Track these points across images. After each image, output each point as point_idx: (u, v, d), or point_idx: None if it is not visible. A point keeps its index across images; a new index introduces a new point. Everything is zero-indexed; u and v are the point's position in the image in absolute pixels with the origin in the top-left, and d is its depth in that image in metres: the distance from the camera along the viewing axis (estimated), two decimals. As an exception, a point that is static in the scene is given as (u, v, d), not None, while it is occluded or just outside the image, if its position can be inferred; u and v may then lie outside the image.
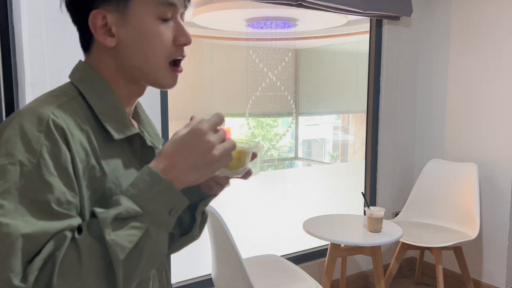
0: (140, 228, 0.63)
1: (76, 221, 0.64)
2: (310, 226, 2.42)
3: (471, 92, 2.96)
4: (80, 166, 0.66)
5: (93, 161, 0.69)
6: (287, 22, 5.36)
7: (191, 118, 0.73)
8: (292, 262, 2.38)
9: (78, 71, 0.77)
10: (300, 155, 8.42)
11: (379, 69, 3.09)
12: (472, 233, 2.64)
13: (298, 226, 2.51)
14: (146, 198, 0.64)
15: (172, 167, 0.66)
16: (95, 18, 0.72)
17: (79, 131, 0.68)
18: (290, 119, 7.47)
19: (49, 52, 1.74)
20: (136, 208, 0.63)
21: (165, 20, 0.74)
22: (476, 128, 2.93)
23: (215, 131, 0.68)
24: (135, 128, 0.78)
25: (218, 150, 0.67)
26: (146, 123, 0.87)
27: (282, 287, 2.06)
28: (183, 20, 0.80)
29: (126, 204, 0.63)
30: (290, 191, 6.28)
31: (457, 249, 2.71)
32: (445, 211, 2.92)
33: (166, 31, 0.74)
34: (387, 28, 3.03)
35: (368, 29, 3.11)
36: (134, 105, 0.83)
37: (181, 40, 0.76)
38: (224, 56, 7.14)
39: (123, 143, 0.76)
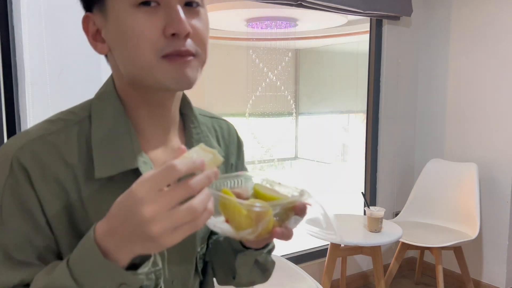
0: None
1: (32, 273, 0.56)
2: (310, 226, 2.42)
3: (471, 92, 2.96)
4: (54, 205, 0.59)
5: (73, 199, 0.60)
6: (287, 22, 5.36)
7: (178, 150, 0.51)
8: (292, 262, 2.38)
9: (104, 85, 0.67)
10: (300, 155, 8.42)
11: (379, 69, 3.09)
12: (472, 233, 2.64)
13: (298, 226, 2.50)
14: (82, 270, 0.51)
15: (111, 233, 0.50)
16: (86, 23, 0.63)
17: (62, 166, 0.60)
18: (290, 119, 7.47)
19: (49, 52, 1.74)
20: (68, 281, 0.50)
21: (146, 4, 0.57)
22: (476, 128, 2.93)
23: (162, 191, 0.46)
24: (143, 159, 0.63)
25: (159, 224, 0.46)
26: (196, 141, 0.70)
27: (282, 287, 2.06)
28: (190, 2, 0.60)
29: (58, 274, 0.52)
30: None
31: (457, 249, 2.71)
32: (445, 211, 2.91)
33: (149, 20, 0.57)
34: (387, 28, 3.03)
35: (368, 29, 3.11)
36: (168, 118, 0.68)
37: (168, 30, 0.57)
38: (224, 56, 7.14)
39: (123, 178, 0.62)
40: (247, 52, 6.66)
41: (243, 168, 0.84)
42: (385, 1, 2.81)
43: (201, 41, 0.60)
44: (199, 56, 0.61)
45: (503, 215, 2.80)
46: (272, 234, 0.55)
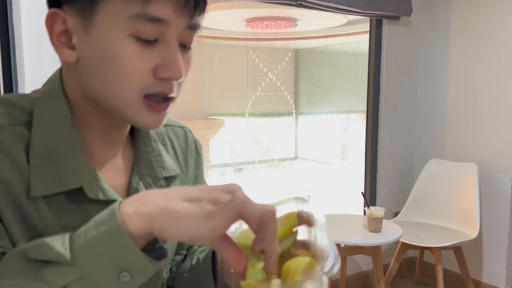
0: (51, 283, 0.41)
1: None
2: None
3: (471, 92, 2.96)
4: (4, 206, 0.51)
5: (23, 202, 0.52)
6: (287, 22, 5.36)
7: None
8: (292, 262, 2.38)
9: (48, 83, 0.60)
10: (300, 155, 8.42)
11: (379, 69, 3.09)
12: (472, 233, 2.64)
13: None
14: (83, 241, 0.42)
15: (158, 196, 0.44)
16: (53, 20, 0.54)
17: (10, 166, 0.52)
18: (290, 118, 7.47)
19: (49, 52, 1.73)
20: (59, 249, 0.42)
21: (146, 41, 0.51)
22: (476, 128, 2.93)
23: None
24: (86, 178, 0.55)
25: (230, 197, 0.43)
26: (145, 161, 0.64)
27: (282, 287, 2.06)
28: (190, 41, 0.56)
29: (49, 241, 0.42)
30: (290, 191, 6.27)
31: (457, 249, 2.71)
32: (445, 211, 2.91)
33: (142, 56, 0.51)
34: (387, 28, 3.03)
35: (368, 29, 3.11)
36: (121, 137, 0.62)
37: (161, 72, 0.52)
38: (224, 56, 7.15)
39: (66, 196, 0.54)
40: (247, 52, 6.66)
41: (203, 178, 0.78)
42: (385, 1, 2.81)
43: (181, 86, 0.57)
44: (176, 99, 0.57)
45: (503, 215, 2.80)
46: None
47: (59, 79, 0.58)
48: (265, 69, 6.60)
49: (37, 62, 1.71)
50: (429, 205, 2.98)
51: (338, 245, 2.41)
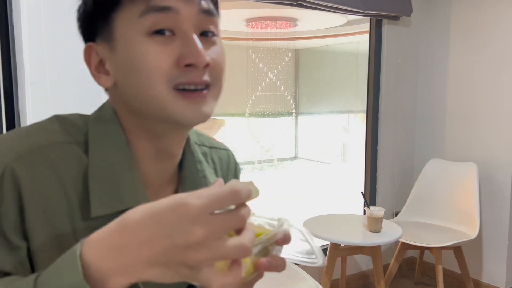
0: None
1: None
2: (310, 226, 2.42)
3: (471, 92, 2.96)
4: (41, 234, 0.52)
5: (65, 229, 0.53)
6: (287, 22, 5.37)
7: (216, 182, 0.46)
8: (292, 262, 2.38)
9: (100, 109, 0.62)
10: (300, 155, 8.43)
11: (379, 69, 3.09)
12: (472, 233, 2.64)
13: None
14: None
15: (123, 248, 0.41)
16: (89, 53, 0.58)
17: (58, 189, 0.53)
18: (290, 118, 7.47)
19: (49, 52, 1.74)
20: None
21: (159, 33, 0.53)
22: (476, 128, 2.93)
23: (214, 215, 0.40)
24: (143, 198, 0.57)
25: (203, 251, 0.39)
26: (190, 184, 0.65)
27: (282, 287, 2.06)
28: (209, 28, 0.57)
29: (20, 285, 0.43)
30: (290, 191, 6.28)
31: (457, 249, 2.71)
32: (445, 211, 2.91)
33: (162, 49, 0.53)
34: (387, 28, 3.03)
35: (368, 29, 3.11)
36: (173, 163, 0.63)
37: (183, 60, 0.53)
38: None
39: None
40: (247, 52, 6.66)
41: None
42: (385, 1, 2.81)
43: (218, 72, 0.57)
44: (215, 87, 0.58)
45: (503, 215, 2.80)
46: (259, 269, 0.47)
47: (111, 106, 0.61)
48: (265, 69, 6.60)
49: (37, 62, 1.71)
50: (429, 205, 2.98)
51: (338, 245, 2.41)
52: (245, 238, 0.41)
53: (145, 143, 0.60)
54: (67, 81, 1.73)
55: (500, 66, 2.78)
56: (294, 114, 7.65)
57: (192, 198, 0.39)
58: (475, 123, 2.93)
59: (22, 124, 1.70)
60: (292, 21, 5.34)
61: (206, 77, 0.56)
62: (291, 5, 2.49)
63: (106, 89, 0.61)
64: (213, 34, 0.58)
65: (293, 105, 7.34)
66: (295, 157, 8.38)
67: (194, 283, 0.42)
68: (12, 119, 1.71)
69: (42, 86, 1.71)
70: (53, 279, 0.42)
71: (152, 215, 0.40)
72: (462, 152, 3.01)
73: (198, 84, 0.55)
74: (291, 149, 8.34)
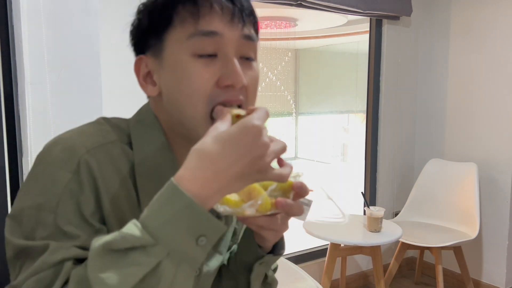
0: (144, 264, 0.46)
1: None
2: (310, 226, 2.42)
3: (471, 92, 2.96)
4: (113, 219, 0.59)
5: (127, 216, 0.57)
6: (287, 22, 5.36)
7: (214, 110, 0.58)
8: (292, 261, 2.38)
9: (139, 114, 0.68)
10: (300, 155, 8.42)
11: (379, 69, 3.09)
12: (472, 233, 2.64)
13: (298, 226, 2.51)
14: (159, 222, 0.47)
15: (213, 177, 0.49)
16: (138, 65, 0.65)
17: (118, 181, 0.60)
18: (289, 118, 7.47)
19: (49, 52, 1.74)
20: (140, 234, 0.47)
21: (206, 56, 0.59)
22: (476, 128, 2.93)
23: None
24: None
25: (271, 155, 0.51)
26: None
27: (282, 287, 2.06)
28: (249, 53, 0.63)
29: (127, 230, 0.47)
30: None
31: (457, 249, 2.71)
32: (445, 211, 2.91)
33: (206, 70, 0.59)
34: (387, 28, 3.03)
35: (368, 29, 3.11)
36: None
37: (223, 81, 0.59)
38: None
39: None
40: (247, 52, 6.64)
41: None
42: (385, 1, 2.81)
43: (252, 93, 0.63)
44: (245, 107, 0.63)
45: (503, 215, 2.80)
46: (277, 207, 0.57)
47: (151, 110, 0.67)
48: (265, 69, 6.60)
49: (37, 62, 1.71)
50: (429, 205, 2.98)
51: (338, 245, 2.41)
52: (279, 142, 0.53)
53: (182, 150, 0.63)
54: (67, 81, 1.73)
55: (500, 66, 2.78)
56: (294, 114, 7.65)
57: (255, 119, 0.50)
58: (475, 123, 2.93)
59: (22, 125, 1.70)
60: (292, 21, 5.33)
61: (241, 97, 0.62)
62: (291, 5, 2.49)
63: (149, 96, 0.68)
64: (252, 59, 0.64)
65: (293, 105, 7.34)
66: (295, 157, 8.38)
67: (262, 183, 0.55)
68: (12, 119, 1.71)
69: (42, 86, 1.71)
70: (160, 211, 0.48)
71: (231, 141, 0.49)
72: (462, 152, 3.01)
73: (233, 102, 0.61)
74: (291, 149, 8.34)
